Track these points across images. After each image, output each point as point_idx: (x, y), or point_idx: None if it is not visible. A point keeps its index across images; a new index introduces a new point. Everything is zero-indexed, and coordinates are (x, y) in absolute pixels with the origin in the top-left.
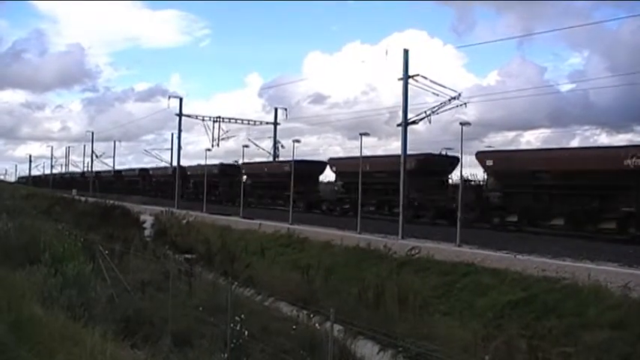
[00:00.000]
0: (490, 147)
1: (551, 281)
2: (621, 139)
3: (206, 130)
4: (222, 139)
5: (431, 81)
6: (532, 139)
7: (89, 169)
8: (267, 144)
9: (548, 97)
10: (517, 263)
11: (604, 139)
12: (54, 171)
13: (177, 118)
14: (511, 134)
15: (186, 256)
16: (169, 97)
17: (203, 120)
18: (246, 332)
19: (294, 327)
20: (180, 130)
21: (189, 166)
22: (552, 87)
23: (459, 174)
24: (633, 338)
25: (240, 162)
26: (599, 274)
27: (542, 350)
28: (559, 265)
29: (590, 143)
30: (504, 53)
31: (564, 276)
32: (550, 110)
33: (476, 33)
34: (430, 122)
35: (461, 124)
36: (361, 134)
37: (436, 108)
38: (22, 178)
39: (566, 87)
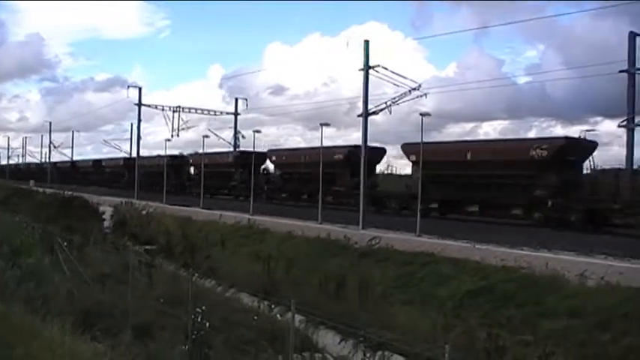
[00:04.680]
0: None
1: (510, 271)
2: (575, 131)
3: (166, 120)
4: (182, 129)
5: (391, 72)
6: (490, 131)
7: (47, 159)
8: (228, 134)
9: (505, 89)
10: (476, 253)
11: (559, 130)
12: (10, 162)
13: (137, 108)
14: (469, 125)
15: (147, 247)
16: (129, 87)
17: (163, 110)
18: (207, 324)
19: (255, 318)
20: (139, 120)
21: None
22: (509, 79)
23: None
24: (590, 326)
25: (200, 152)
26: (556, 263)
27: (501, 339)
28: (518, 255)
29: (546, 134)
30: (462, 47)
31: (523, 265)
32: (507, 102)
33: (434, 27)
34: (390, 113)
35: (421, 114)
36: (321, 125)
37: (396, 99)
38: None
39: (523, 79)
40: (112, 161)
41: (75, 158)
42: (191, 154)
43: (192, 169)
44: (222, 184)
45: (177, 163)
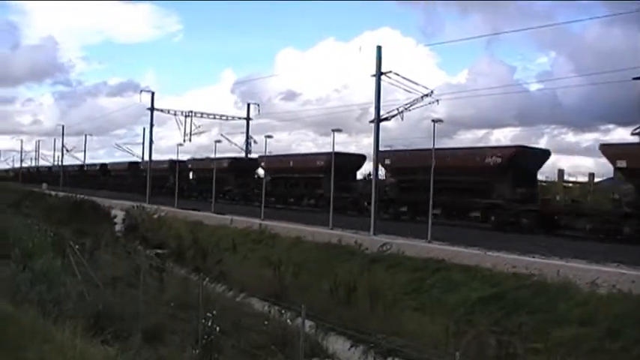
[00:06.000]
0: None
1: (522, 278)
2: (587, 138)
3: (178, 125)
4: (195, 134)
5: (403, 78)
6: (501, 138)
7: (60, 162)
8: (240, 139)
9: (517, 96)
10: (487, 260)
11: (571, 137)
12: (24, 165)
13: (149, 112)
14: (481, 132)
15: (158, 251)
16: (141, 92)
17: (175, 114)
18: (217, 328)
19: (265, 323)
20: (152, 125)
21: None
22: (521, 86)
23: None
24: (601, 334)
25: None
26: (568, 270)
27: (512, 346)
28: (529, 262)
29: (558, 142)
30: (474, 54)
31: (534, 272)
32: (519, 109)
33: (445, 34)
34: (402, 119)
35: (433, 121)
36: (333, 130)
37: (408, 105)
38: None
39: (534, 86)
40: (153, 164)
41: (104, 161)
42: (261, 156)
43: (260, 173)
44: (307, 192)
45: (241, 166)
